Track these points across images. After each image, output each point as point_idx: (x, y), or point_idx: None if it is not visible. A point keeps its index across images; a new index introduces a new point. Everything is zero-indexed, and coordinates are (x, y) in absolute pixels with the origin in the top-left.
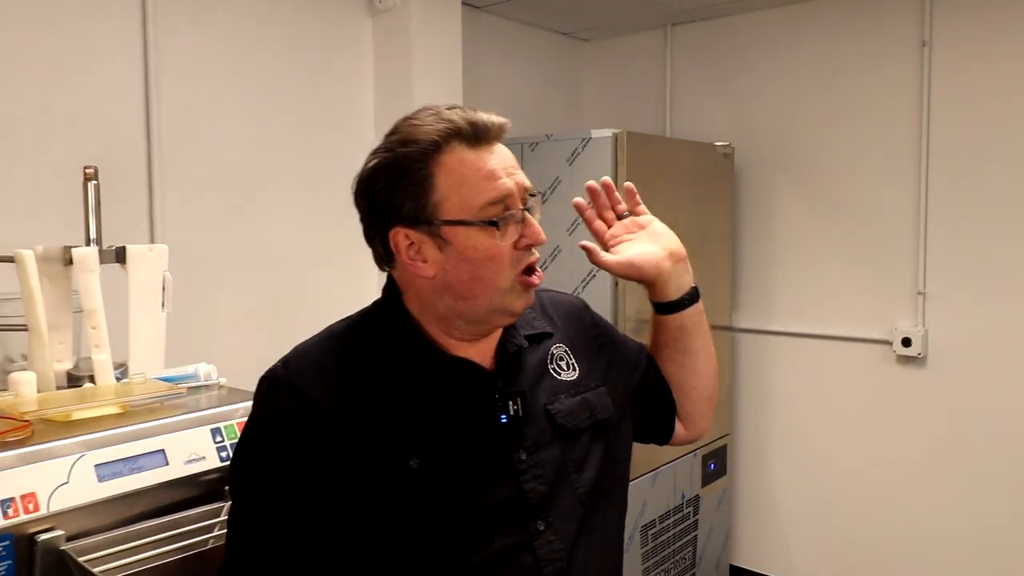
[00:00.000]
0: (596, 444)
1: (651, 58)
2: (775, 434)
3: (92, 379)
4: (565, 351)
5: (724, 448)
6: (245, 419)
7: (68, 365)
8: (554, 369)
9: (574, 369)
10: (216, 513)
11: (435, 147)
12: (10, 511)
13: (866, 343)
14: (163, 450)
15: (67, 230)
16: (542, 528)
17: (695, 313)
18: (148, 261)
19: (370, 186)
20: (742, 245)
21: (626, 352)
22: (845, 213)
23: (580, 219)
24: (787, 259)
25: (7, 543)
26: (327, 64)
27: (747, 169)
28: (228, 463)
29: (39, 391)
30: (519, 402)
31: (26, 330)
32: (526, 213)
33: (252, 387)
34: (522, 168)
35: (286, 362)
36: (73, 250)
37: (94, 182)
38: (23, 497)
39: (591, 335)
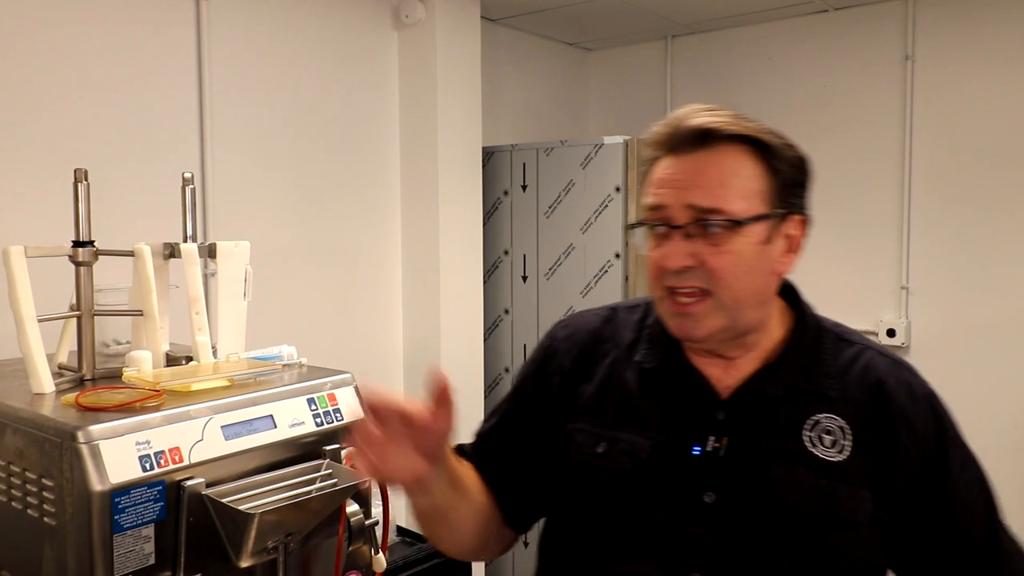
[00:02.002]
0: (821, 540)
1: (652, 67)
2: None
3: (188, 358)
4: (840, 426)
5: None
6: (333, 391)
7: (167, 346)
8: (810, 438)
9: (841, 451)
10: (316, 469)
11: (652, 153)
12: (162, 462)
13: None
14: (271, 415)
15: (130, 229)
16: None
17: None
18: (234, 256)
19: None
20: None
21: (942, 504)
22: (835, 214)
23: (593, 219)
24: None
25: (160, 488)
26: (357, 72)
27: None
28: (323, 427)
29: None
30: (723, 441)
31: (121, 316)
32: (674, 232)
33: (321, 364)
34: (537, 172)
35: (571, 315)
36: (181, 246)
37: (191, 187)
38: (171, 451)
39: (906, 428)
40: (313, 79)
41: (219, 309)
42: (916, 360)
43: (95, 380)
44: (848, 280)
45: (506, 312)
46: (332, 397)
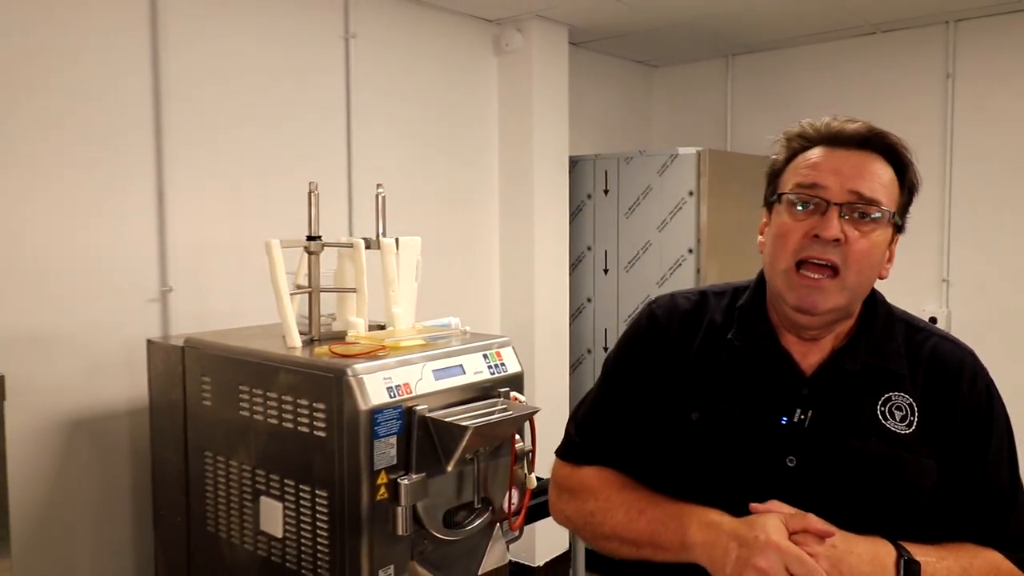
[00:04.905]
0: (889, 503)
1: (713, 83)
2: None
3: (380, 326)
4: (908, 403)
5: None
6: (499, 350)
7: None
8: (882, 413)
9: (909, 425)
10: (494, 404)
11: (801, 144)
12: (399, 393)
13: None
14: (461, 365)
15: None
16: None
17: None
18: (411, 247)
19: None
20: None
21: (980, 464)
22: None
23: (669, 219)
24: None
25: (399, 411)
26: (464, 93)
27: None
28: (495, 375)
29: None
30: (808, 413)
31: (340, 292)
32: (832, 208)
33: (478, 331)
34: (617, 178)
35: (662, 297)
36: (381, 239)
37: (382, 193)
38: (403, 385)
39: (963, 403)
40: (431, 101)
41: (399, 288)
42: None
43: (320, 340)
44: (893, 273)
45: (588, 300)
46: (499, 354)
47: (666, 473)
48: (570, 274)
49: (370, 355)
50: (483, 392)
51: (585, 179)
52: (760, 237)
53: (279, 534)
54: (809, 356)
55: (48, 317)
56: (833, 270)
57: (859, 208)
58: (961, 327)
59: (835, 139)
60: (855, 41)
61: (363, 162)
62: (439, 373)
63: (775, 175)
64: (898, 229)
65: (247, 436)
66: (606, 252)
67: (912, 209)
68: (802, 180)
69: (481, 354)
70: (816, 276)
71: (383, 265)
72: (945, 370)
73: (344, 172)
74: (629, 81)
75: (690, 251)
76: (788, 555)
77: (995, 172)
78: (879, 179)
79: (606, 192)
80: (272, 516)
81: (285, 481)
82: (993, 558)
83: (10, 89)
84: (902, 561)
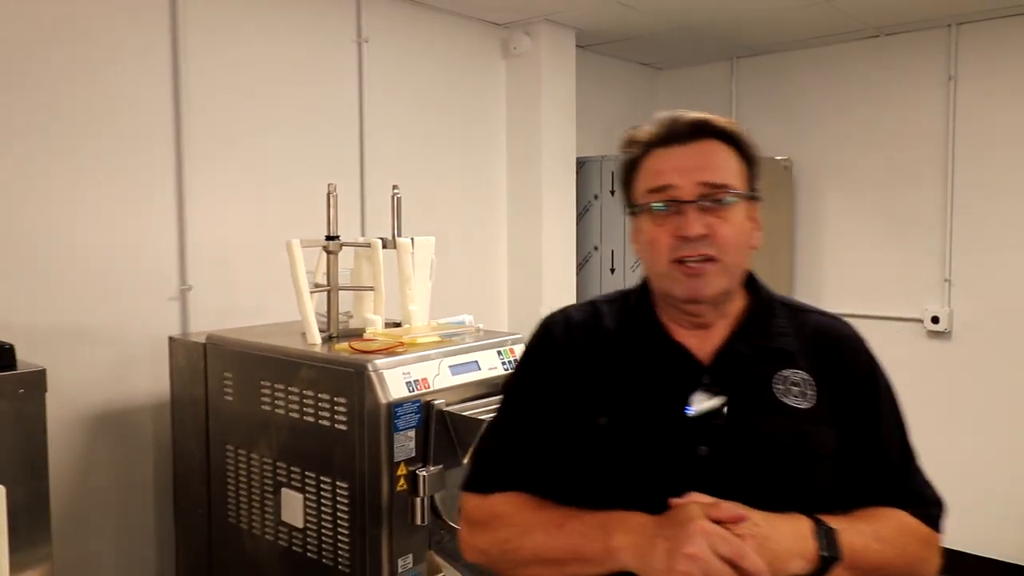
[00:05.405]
0: (799, 475)
1: (718, 85)
2: None
3: (396, 324)
4: (804, 378)
5: None
6: (513, 346)
7: None
8: (780, 390)
9: (807, 399)
10: None
11: (641, 147)
12: (418, 387)
13: (901, 321)
14: (477, 361)
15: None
16: None
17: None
18: (425, 247)
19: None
20: (799, 240)
21: (874, 430)
22: (884, 215)
23: None
24: (836, 252)
25: (418, 404)
26: (473, 97)
27: (803, 178)
28: (508, 371)
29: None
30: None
31: (358, 291)
32: (688, 206)
33: (491, 328)
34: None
35: (554, 312)
36: (397, 239)
37: (398, 194)
38: (421, 380)
39: (850, 373)
40: (441, 103)
41: (414, 287)
42: (957, 344)
43: (339, 337)
44: (896, 273)
45: None
46: (512, 351)
47: (580, 484)
48: (577, 274)
49: (389, 351)
50: (497, 387)
51: (592, 180)
52: (634, 244)
53: (300, 524)
54: (704, 346)
55: (74, 314)
56: (709, 258)
57: (713, 196)
58: (963, 326)
59: (670, 136)
60: (858, 44)
61: (375, 163)
62: (455, 369)
63: (626, 183)
64: (754, 199)
65: (268, 429)
66: (612, 252)
67: (913, 209)
68: (652, 185)
69: (495, 350)
70: (696, 266)
71: (399, 264)
72: (828, 344)
73: (357, 173)
74: (635, 83)
75: None
76: (714, 536)
77: (996, 173)
78: (723, 163)
79: (612, 193)
80: (293, 507)
81: (306, 473)
82: (898, 516)
83: (43, 104)
84: (820, 530)
